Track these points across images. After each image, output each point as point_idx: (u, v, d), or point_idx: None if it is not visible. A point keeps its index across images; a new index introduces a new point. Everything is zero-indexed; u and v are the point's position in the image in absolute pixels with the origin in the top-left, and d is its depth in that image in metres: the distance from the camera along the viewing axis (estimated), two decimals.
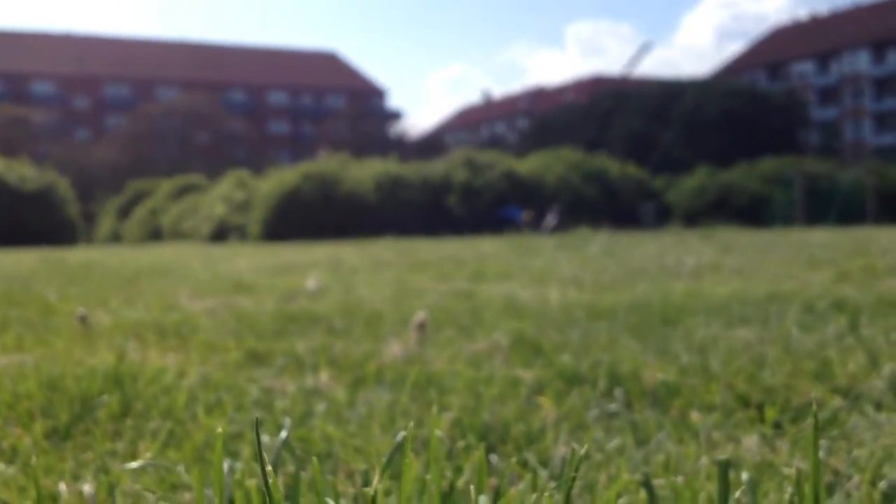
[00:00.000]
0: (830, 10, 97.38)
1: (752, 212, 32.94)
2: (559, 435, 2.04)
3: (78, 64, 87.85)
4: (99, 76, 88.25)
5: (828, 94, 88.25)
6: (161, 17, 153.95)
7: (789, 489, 1.10)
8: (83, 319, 3.65)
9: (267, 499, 0.91)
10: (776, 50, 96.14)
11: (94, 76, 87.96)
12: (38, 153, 52.46)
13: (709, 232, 20.74)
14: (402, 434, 1.13)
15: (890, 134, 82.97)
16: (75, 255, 16.37)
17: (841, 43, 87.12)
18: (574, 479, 1.13)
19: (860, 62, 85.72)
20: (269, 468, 0.90)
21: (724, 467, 1.19)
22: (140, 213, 38.47)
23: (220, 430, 0.95)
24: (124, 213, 40.50)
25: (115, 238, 38.89)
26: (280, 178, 31.11)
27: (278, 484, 0.94)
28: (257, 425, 0.94)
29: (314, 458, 1.02)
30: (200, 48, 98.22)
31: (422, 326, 3.68)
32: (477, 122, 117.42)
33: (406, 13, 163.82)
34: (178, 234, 33.35)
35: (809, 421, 1.02)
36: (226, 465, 1.47)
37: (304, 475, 1.33)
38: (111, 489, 1.54)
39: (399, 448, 1.03)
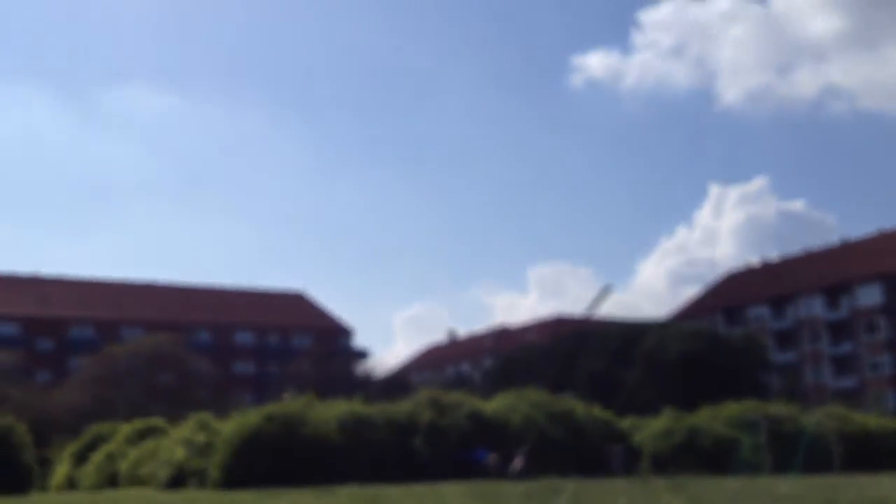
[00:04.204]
0: (781, 256, 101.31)
1: (719, 455, 32.77)
2: None
3: (42, 305, 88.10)
4: (64, 318, 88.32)
5: (785, 338, 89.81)
6: (126, 259, 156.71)
7: None
8: None
9: None
10: (731, 294, 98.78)
11: (59, 318, 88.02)
12: None
13: (679, 482, 20.54)
14: None
15: (848, 377, 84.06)
16: None
17: (794, 288, 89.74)
18: None
19: (815, 307, 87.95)
20: None
21: None
22: (97, 458, 37.34)
23: None
24: (81, 457, 39.32)
25: (71, 485, 37.55)
26: (242, 421, 30.61)
27: None
28: None
29: None
30: (166, 289, 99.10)
31: None
32: (442, 360, 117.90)
33: (371, 255, 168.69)
34: (136, 480, 32.32)
35: None
36: None
37: None
38: None
39: None
